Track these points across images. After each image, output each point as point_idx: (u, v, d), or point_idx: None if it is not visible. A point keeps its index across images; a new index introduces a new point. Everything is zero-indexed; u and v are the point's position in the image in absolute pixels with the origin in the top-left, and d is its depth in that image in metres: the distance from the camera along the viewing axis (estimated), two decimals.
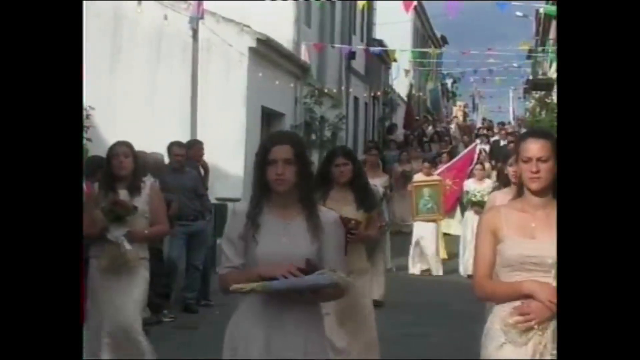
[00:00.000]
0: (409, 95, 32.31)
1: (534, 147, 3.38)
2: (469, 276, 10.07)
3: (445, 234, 14.25)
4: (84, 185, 5.70)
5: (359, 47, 23.18)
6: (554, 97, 20.68)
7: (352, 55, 21.96)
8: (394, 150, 20.92)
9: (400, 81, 31.48)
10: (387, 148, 21.52)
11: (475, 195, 12.01)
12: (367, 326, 5.69)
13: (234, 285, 3.32)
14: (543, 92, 27.15)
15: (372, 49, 23.64)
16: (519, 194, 3.52)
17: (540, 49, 30.41)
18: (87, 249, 5.66)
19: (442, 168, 15.02)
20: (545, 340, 3.27)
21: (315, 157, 15.32)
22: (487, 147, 21.10)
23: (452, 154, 17.90)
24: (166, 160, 9.21)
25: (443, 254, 13.29)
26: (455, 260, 13.01)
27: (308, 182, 3.57)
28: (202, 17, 12.83)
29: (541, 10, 24.65)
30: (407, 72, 30.18)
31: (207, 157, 10.43)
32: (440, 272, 12.71)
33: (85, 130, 10.58)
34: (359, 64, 24.76)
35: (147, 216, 5.86)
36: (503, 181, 6.73)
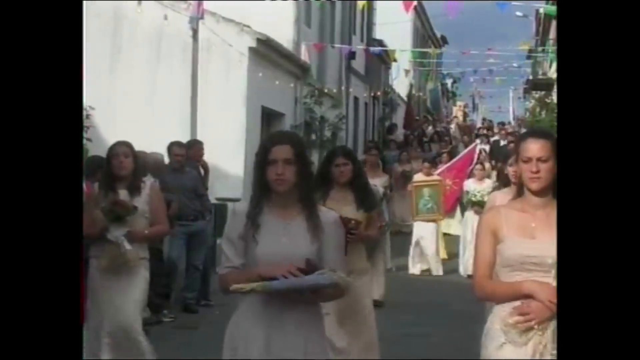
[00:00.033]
0: (409, 95, 32.31)
1: (534, 147, 3.38)
2: (469, 276, 10.07)
3: (445, 234, 14.26)
4: (84, 185, 5.70)
5: (359, 47, 23.18)
6: (554, 97, 20.68)
7: (352, 55, 21.96)
8: (394, 150, 20.92)
9: (400, 81, 31.48)
10: (387, 148, 21.52)
11: (475, 195, 12.00)
12: (367, 326, 5.69)
13: (234, 286, 3.32)
14: (543, 92, 27.15)
15: (372, 49, 23.63)
16: (519, 194, 3.52)
17: (540, 49, 30.41)
18: (87, 249, 5.65)
19: (442, 168, 15.02)
20: (545, 340, 3.26)
21: (315, 157, 15.32)
22: (487, 147, 21.10)
23: (452, 154, 17.90)
24: (166, 160, 9.21)
25: (443, 254, 13.30)
26: (455, 260, 13.01)
27: (308, 182, 3.57)
28: (202, 17, 12.83)
29: (541, 10, 24.66)
30: (407, 72, 30.19)
31: (207, 157, 10.43)
32: (440, 272, 12.71)
33: (85, 130, 10.58)
34: (359, 64, 24.76)
35: (147, 216, 5.86)
36: (503, 181, 6.73)
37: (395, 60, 26.57)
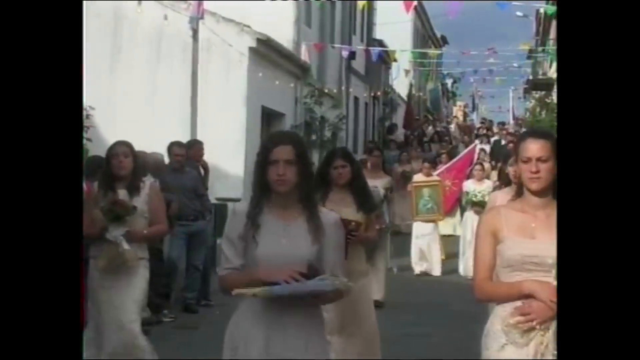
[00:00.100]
0: (409, 95, 32.31)
1: (534, 147, 3.38)
2: (470, 278, 10.06)
3: (444, 235, 14.26)
4: (84, 185, 5.69)
5: (359, 47, 23.18)
6: (554, 97, 20.68)
7: (352, 55, 21.97)
8: (394, 150, 20.92)
9: (400, 81, 31.49)
10: (387, 148, 21.52)
11: (475, 196, 12.00)
12: (368, 327, 5.68)
13: (236, 290, 3.31)
14: (543, 92, 27.15)
15: (372, 49, 23.63)
16: (519, 194, 3.51)
17: (540, 49, 30.40)
18: (86, 249, 5.65)
19: (441, 169, 15.01)
20: (547, 340, 3.25)
21: (315, 158, 15.32)
22: (486, 148, 21.10)
23: (451, 155, 17.90)
24: (166, 160, 9.21)
25: (442, 255, 13.30)
26: (455, 260, 13.01)
27: (309, 182, 3.55)
28: (202, 17, 12.84)
29: (541, 10, 24.66)
30: (407, 72, 30.20)
31: (207, 157, 10.43)
32: (439, 273, 12.72)
33: (86, 130, 10.58)
34: (359, 64, 24.77)
35: (146, 216, 5.85)
36: (504, 181, 6.73)
37: (395, 60, 26.57)
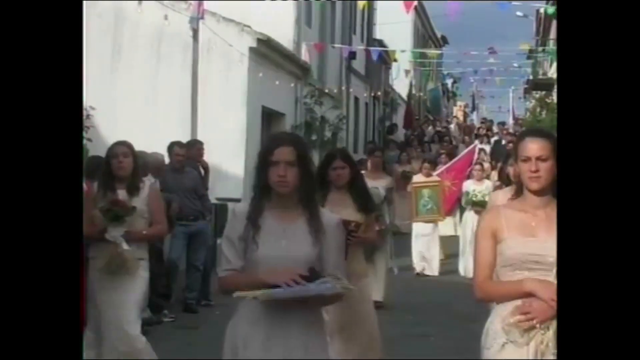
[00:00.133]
0: (409, 95, 32.32)
1: (533, 147, 3.37)
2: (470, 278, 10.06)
3: (443, 236, 14.25)
4: (84, 185, 5.69)
5: (359, 47, 23.19)
6: (555, 97, 20.68)
7: (352, 55, 21.97)
8: (394, 150, 20.92)
9: (401, 81, 31.50)
10: (387, 148, 21.52)
11: (476, 196, 12.00)
12: (368, 328, 5.67)
13: (237, 293, 3.30)
14: (543, 92, 27.15)
15: (372, 49, 23.64)
16: (518, 193, 3.51)
17: (540, 49, 30.40)
18: (86, 249, 5.64)
19: (441, 169, 15.00)
20: (547, 339, 3.23)
21: (315, 158, 15.31)
22: (487, 148, 21.10)
23: (450, 155, 17.89)
24: (167, 160, 9.22)
25: (441, 255, 13.31)
26: (456, 260, 13.01)
27: (310, 184, 3.53)
28: (202, 17, 12.83)
29: (541, 10, 24.66)
30: (407, 72, 30.21)
31: (207, 157, 10.43)
32: (438, 273, 12.72)
33: (86, 131, 10.58)
34: (359, 64, 24.77)
35: (145, 216, 5.84)
36: (504, 181, 6.74)
37: (395, 60, 26.58)
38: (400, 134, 26.77)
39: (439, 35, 43.81)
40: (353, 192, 5.65)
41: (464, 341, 5.58)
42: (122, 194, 5.78)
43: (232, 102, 13.81)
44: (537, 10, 29.10)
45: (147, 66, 13.96)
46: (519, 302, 3.29)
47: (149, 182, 6.09)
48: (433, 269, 12.75)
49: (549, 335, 3.24)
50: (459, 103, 49.99)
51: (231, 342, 3.48)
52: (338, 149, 7.52)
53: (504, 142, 21.19)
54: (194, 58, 12.92)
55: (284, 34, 16.47)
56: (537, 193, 3.39)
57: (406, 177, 15.31)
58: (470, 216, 12.19)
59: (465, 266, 11.82)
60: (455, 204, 14.95)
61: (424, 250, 12.79)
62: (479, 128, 28.99)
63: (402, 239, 13.85)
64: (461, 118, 38.53)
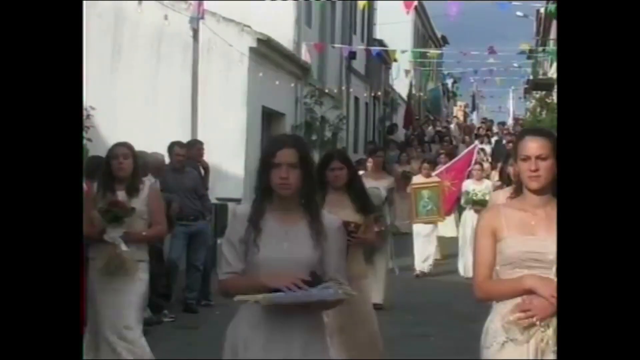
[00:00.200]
0: (409, 95, 32.33)
1: (532, 146, 3.37)
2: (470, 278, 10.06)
3: (443, 236, 14.26)
4: (84, 186, 5.69)
5: (359, 47, 23.19)
6: (555, 97, 20.67)
7: (352, 55, 21.98)
8: (394, 150, 20.93)
9: (401, 81, 31.50)
10: (387, 148, 21.53)
11: (476, 194, 12.00)
12: (368, 329, 5.66)
13: (238, 297, 3.29)
14: (544, 92, 27.14)
15: (372, 49, 23.65)
16: (518, 192, 3.51)
17: (540, 49, 30.41)
18: (85, 250, 5.63)
19: (441, 169, 15.00)
20: (547, 337, 3.23)
21: (316, 158, 15.29)
22: (487, 148, 21.11)
23: (450, 155, 17.89)
24: (167, 160, 9.22)
25: (438, 255, 13.32)
26: (456, 260, 13.01)
27: (312, 186, 3.52)
28: (202, 17, 12.83)
29: (541, 10, 24.66)
30: (407, 72, 30.21)
31: (207, 157, 10.44)
32: (439, 273, 12.72)
33: (86, 131, 10.58)
34: (359, 64, 24.77)
35: (145, 217, 5.82)
36: (505, 181, 6.74)
37: (395, 60, 26.58)
38: (400, 134, 26.78)
39: (439, 35, 43.81)
40: (351, 193, 5.63)
41: (464, 341, 5.57)
42: (121, 195, 5.76)
43: (232, 102, 13.82)
44: (537, 10, 29.14)
45: (147, 66, 13.96)
46: (519, 299, 3.29)
47: (149, 183, 6.08)
48: (434, 269, 12.75)
49: (549, 333, 3.23)
50: (459, 103, 49.99)
51: (231, 344, 3.46)
52: (335, 150, 7.52)
53: (504, 142, 21.20)
54: (194, 58, 12.92)
55: (284, 34, 16.47)
56: (537, 192, 3.39)
57: (406, 177, 15.31)
58: (469, 215, 12.19)
59: (465, 266, 11.82)
60: (455, 205, 14.95)
61: (422, 250, 12.79)
62: (479, 128, 29.01)
63: (402, 239, 13.86)
64: (461, 118, 38.54)
